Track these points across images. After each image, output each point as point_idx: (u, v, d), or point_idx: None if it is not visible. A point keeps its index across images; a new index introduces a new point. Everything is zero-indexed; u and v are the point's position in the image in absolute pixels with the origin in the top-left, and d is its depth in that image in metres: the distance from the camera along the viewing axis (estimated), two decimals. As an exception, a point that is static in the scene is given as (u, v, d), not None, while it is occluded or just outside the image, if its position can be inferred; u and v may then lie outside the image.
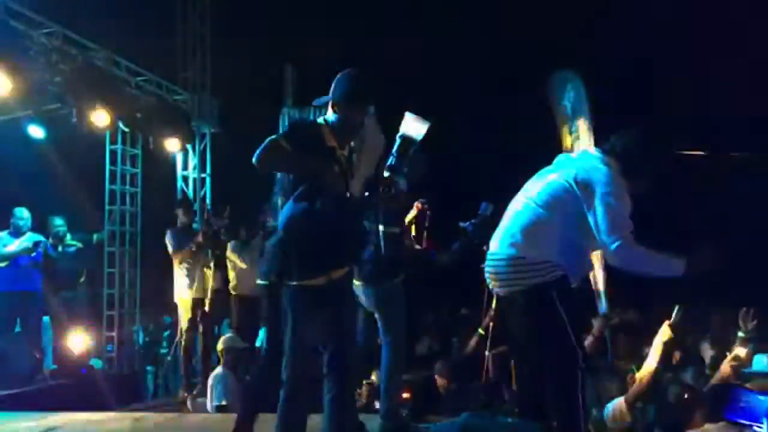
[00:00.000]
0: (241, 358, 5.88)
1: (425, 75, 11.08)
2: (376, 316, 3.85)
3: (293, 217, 2.84)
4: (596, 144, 3.33)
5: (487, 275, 3.08)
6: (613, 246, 2.76)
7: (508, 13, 10.77)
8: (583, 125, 7.77)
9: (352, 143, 3.12)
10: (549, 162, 3.34)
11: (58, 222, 7.23)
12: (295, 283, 2.83)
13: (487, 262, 3.07)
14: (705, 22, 9.55)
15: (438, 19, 11.17)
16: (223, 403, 5.45)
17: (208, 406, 5.59)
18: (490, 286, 3.11)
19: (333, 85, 3.02)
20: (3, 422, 4.59)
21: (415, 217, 6.73)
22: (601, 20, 10.53)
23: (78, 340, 7.06)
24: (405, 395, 4.19)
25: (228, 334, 6.22)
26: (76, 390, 6.44)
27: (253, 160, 2.77)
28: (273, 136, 2.81)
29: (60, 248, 7.14)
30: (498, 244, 3.01)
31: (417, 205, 6.70)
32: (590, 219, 2.81)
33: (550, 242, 2.87)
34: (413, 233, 6.81)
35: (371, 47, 10.59)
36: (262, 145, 2.77)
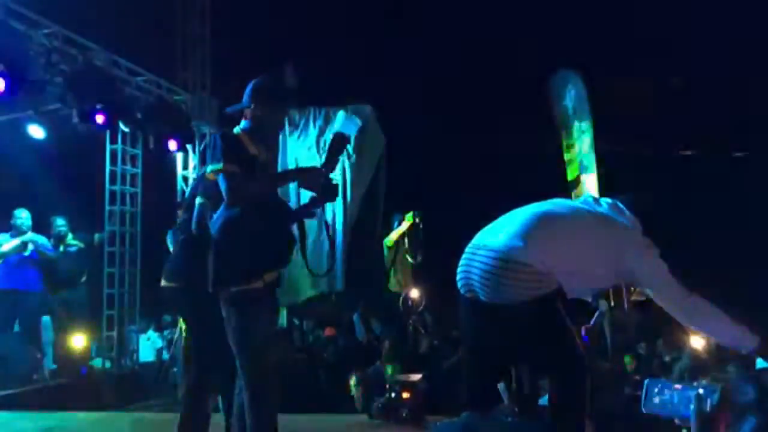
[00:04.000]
0: None
1: (425, 75, 11.08)
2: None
3: (228, 221, 2.84)
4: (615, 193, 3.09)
5: (472, 274, 2.78)
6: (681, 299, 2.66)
7: (509, 14, 10.77)
8: (583, 126, 7.78)
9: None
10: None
11: (60, 222, 7.23)
12: (235, 288, 2.82)
13: (478, 258, 2.77)
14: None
15: (438, 19, 11.17)
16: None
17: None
18: (464, 287, 2.82)
19: (246, 92, 3.09)
20: (3, 422, 4.60)
21: (408, 230, 6.78)
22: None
23: (78, 340, 7.06)
24: (405, 395, 4.19)
25: None
26: (76, 390, 6.44)
27: (231, 202, 2.80)
28: (219, 165, 2.79)
29: (61, 248, 7.14)
30: (502, 243, 2.72)
31: (410, 217, 6.74)
32: (634, 273, 2.72)
33: (566, 259, 2.69)
34: (407, 246, 6.87)
35: (371, 47, 10.59)
36: (226, 186, 2.77)
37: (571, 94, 8.04)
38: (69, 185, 8.18)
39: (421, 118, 10.40)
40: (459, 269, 2.87)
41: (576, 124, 8.04)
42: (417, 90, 10.69)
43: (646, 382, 1.95)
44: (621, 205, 2.80)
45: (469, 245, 2.88)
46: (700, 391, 1.86)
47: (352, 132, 3.24)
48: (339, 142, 3.11)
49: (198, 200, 3.29)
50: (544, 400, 3.71)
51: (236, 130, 3.06)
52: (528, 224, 2.75)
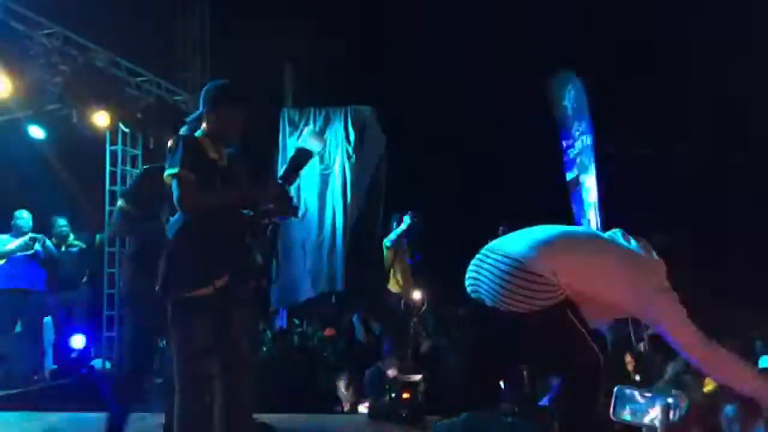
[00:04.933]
0: None
1: (425, 75, 11.08)
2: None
3: (182, 226, 2.85)
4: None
5: (481, 276, 2.77)
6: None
7: (509, 14, 10.77)
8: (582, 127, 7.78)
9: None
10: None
11: (62, 222, 7.23)
12: (182, 294, 2.83)
13: (489, 261, 2.76)
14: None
15: (438, 19, 11.17)
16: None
17: None
18: (471, 287, 2.82)
19: (202, 98, 3.16)
20: (3, 422, 4.60)
21: (407, 230, 6.78)
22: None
23: (78, 340, 7.06)
24: (405, 395, 4.20)
25: None
26: (76, 390, 6.44)
27: (182, 210, 2.79)
28: (175, 170, 2.79)
29: (63, 248, 7.15)
30: (518, 250, 2.71)
31: (408, 218, 6.75)
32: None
33: (580, 280, 2.67)
34: (405, 247, 6.87)
35: (371, 47, 10.59)
36: (179, 193, 2.77)
37: (571, 95, 8.05)
38: (69, 186, 8.18)
39: (421, 118, 10.41)
40: (468, 271, 2.85)
41: (575, 124, 8.04)
42: (417, 90, 10.69)
43: (615, 389, 1.95)
44: (649, 245, 2.80)
45: (483, 248, 2.86)
46: (669, 400, 1.85)
47: (315, 149, 3.28)
48: (300, 157, 3.18)
49: (119, 203, 3.27)
50: (544, 401, 3.71)
51: (198, 133, 3.08)
52: (549, 239, 2.74)
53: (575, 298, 2.66)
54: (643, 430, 1.91)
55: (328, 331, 8.04)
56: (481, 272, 2.77)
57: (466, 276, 2.85)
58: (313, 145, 3.20)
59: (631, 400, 1.91)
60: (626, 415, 1.91)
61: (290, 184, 3.12)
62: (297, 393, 5.99)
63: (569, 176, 8.25)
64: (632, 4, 10.42)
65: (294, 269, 7.80)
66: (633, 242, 2.79)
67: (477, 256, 2.86)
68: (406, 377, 4.29)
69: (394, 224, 6.97)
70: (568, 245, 2.73)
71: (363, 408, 5.11)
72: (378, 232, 7.28)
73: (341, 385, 5.47)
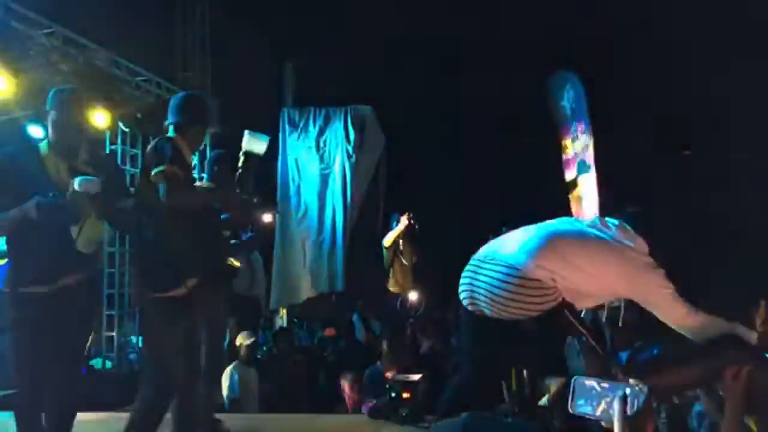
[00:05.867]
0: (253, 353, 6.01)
1: (425, 75, 11.08)
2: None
3: (155, 229, 2.91)
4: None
5: (477, 287, 2.79)
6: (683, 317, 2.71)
7: (509, 14, 10.77)
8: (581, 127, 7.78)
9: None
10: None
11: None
12: (156, 294, 2.88)
13: (485, 270, 2.78)
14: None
15: (438, 19, 11.17)
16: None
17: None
18: (466, 299, 2.83)
19: (170, 108, 3.22)
20: (3, 422, 4.60)
21: (404, 230, 6.80)
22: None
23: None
24: (405, 395, 4.20)
25: (244, 332, 6.28)
26: (76, 390, 6.42)
27: (169, 203, 2.83)
28: (163, 168, 2.84)
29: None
30: (514, 257, 2.72)
31: (404, 219, 6.78)
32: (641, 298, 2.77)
33: (573, 280, 2.71)
34: (401, 247, 6.89)
35: (371, 47, 10.59)
36: (167, 186, 2.81)
37: (570, 95, 8.05)
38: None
39: (421, 118, 10.41)
40: (462, 280, 2.85)
41: (574, 124, 8.04)
42: (417, 90, 10.69)
43: (573, 380, 1.81)
44: (627, 226, 2.81)
45: (475, 256, 2.86)
46: (627, 390, 1.73)
47: (260, 149, 3.38)
48: (247, 161, 3.30)
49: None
50: (544, 401, 3.71)
51: (173, 135, 3.15)
52: (542, 243, 2.73)
53: (567, 294, 2.69)
54: (602, 423, 1.82)
55: (328, 331, 8.05)
56: (476, 283, 2.77)
57: (461, 286, 2.86)
58: (255, 145, 3.27)
59: (589, 391, 1.79)
60: (583, 407, 1.79)
61: (246, 191, 3.22)
62: (297, 393, 6.00)
63: (569, 176, 8.25)
64: (632, 4, 10.42)
65: (294, 269, 7.80)
66: (612, 227, 2.82)
67: (469, 265, 2.86)
68: (406, 377, 4.28)
69: (394, 224, 6.99)
70: (561, 246, 2.73)
71: (365, 408, 5.11)
72: (378, 232, 7.29)
73: (345, 385, 5.46)
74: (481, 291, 2.73)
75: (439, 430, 3.56)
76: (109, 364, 7.78)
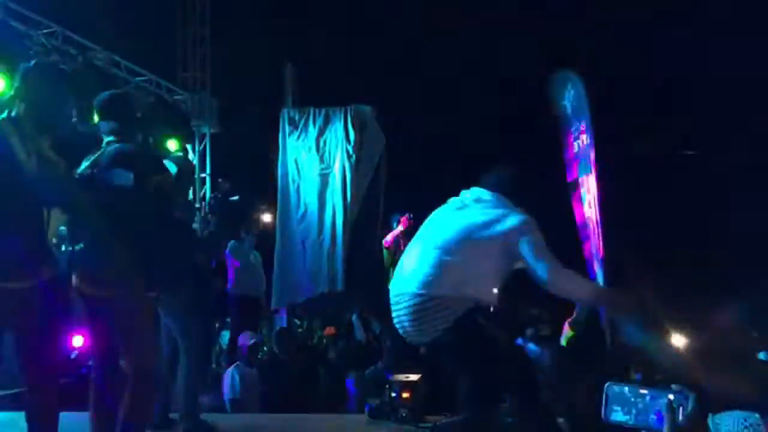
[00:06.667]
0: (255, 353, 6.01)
1: (425, 75, 11.08)
2: (171, 320, 3.95)
3: (124, 231, 2.94)
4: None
5: (404, 321, 3.01)
6: (546, 271, 2.85)
7: (509, 14, 10.77)
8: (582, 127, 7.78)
9: None
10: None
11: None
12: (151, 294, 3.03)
13: (396, 308, 3.04)
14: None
15: (438, 19, 11.17)
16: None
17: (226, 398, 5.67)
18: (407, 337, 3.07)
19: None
20: (3, 422, 4.59)
21: (404, 231, 6.81)
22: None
23: (78, 340, 7.05)
24: (405, 395, 4.20)
25: (246, 332, 6.29)
26: (76, 390, 6.43)
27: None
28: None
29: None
30: (407, 287, 2.98)
31: (403, 220, 6.78)
32: (516, 255, 2.91)
33: (460, 280, 2.89)
34: (402, 247, 6.88)
35: (371, 47, 10.59)
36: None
37: (571, 95, 8.04)
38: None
39: (421, 118, 10.41)
40: (394, 322, 3.09)
41: (575, 124, 8.04)
42: (417, 90, 10.69)
43: (605, 386, 1.73)
44: (488, 196, 3.07)
45: (391, 296, 3.10)
46: (671, 396, 1.64)
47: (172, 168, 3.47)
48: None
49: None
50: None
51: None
52: (424, 258, 2.96)
53: (475, 293, 2.88)
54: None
55: (328, 331, 8.05)
56: (402, 317, 3.00)
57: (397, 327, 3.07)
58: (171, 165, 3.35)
59: (626, 398, 1.71)
60: (621, 415, 1.70)
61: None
62: (297, 393, 6.00)
63: (569, 176, 8.25)
64: (633, 4, 10.43)
65: (294, 269, 7.80)
66: (492, 197, 3.07)
67: (390, 303, 3.10)
68: (406, 377, 4.28)
69: (395, 224, 6.99)
70: (443, 258, 2.91)
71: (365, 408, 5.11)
72: (378, 232, 7.28)
73: (350, 384, 5.46)
74: (407, 323, 2.97)
75: (439, 430, 3.57)
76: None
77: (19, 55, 5.85)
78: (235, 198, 5.54)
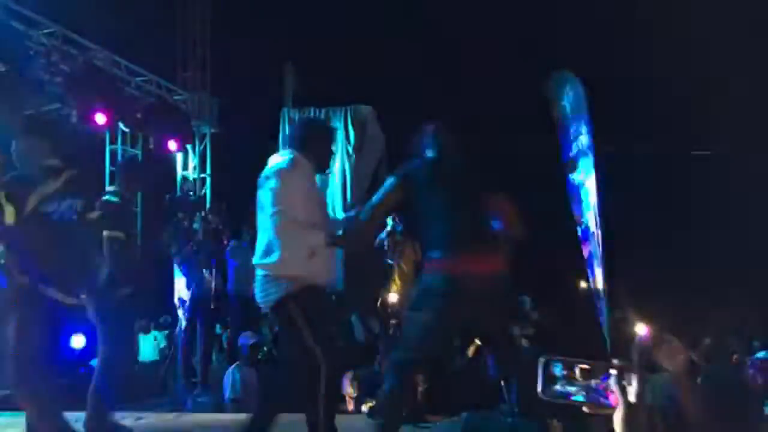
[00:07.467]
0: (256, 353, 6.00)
1: (425, 75, 11.09)
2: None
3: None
4: None
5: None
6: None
7: (509, 14, 10.78)
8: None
9: None
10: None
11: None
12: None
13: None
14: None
15: (438, 19, 11.17)
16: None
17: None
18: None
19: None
20: (3, 422, 4.60)
21: (390, 234, 6.83)
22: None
23: (78, 340, 7.06)
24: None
25: (247, 332, 6.29)
26: (76, 390, 6.43)
27: None
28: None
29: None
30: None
31: (389, 222, 6.78)
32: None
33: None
34: (404, 248, 6.89)
35: (371, 47, 10.59)
36: None
37: (569, 95, 8.04)
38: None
39: (421, 118, 10.39)
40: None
41: (574, 124, 8.04)
42: (417, 90, 10.69)
43: (541, 360, 1.61)
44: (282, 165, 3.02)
45: None
46: (613, 372, 1.57)
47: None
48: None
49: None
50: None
51: None
52: (261, 235, 3.00)
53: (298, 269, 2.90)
54: (584, 408, 1.65)
55: (328, 331, 8.04)
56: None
57: None
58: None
59: (565, 373, 1.61)
60: (560, 391, 1.60)
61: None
62: (297, 393, 5.98)
63: (569, 177, 8.25)
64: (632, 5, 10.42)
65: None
66: (289, 154, 3.08)
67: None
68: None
69: (389, 223, 6.97)
70: (269, 237, 2.94)
71: (365, 407, 5.11)
72: (378, 232, 7.28)
73: (346, 383, 5.46)
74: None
75: (439, 430, 3.58)
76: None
77: (19, 55, 5.86)
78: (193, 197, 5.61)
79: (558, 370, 1.62)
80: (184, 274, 6.68)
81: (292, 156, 3.03)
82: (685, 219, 10.14)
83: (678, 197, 10.28)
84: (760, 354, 4.53)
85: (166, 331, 8.87)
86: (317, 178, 8.04)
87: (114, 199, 3.85)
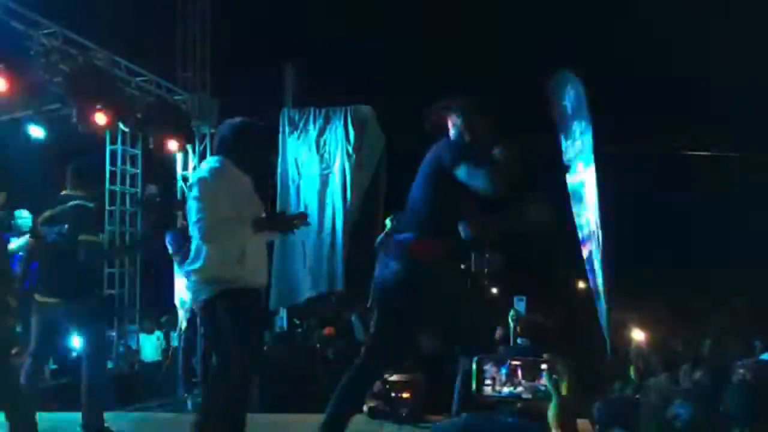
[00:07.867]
0: None
1: (425, 75, 11.08)
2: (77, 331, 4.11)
3: None
4: None
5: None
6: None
7: (509, 14, 10.78)
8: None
9: None
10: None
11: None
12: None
13: None
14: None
15: (438, 19, 11.18)
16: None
17: None
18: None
19: None
20: (3, 422, 4.60)
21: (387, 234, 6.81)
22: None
23: (78, 340, 7.06)
24: (405, 395, 4.20)
25: None
26: (76, 390, 6.43)
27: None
28: None
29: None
30: None
31: (386, 225, 6.77)
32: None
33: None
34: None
35: (371, 47, 10.59)
36: None
37: (570, 95, 8.04)
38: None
39: (421, 118, 10.39)
40: None
41: (575, 124, 8.04)
42: (417, 90, 10.69)
43: (474, 360, 1.63)
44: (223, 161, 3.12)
45: None
46: (544, 366, 1.59)
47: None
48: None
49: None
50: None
51: None
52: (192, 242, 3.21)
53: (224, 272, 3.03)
54: (519, 405, 1.68)
55: (327, 330, 8.04)
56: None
57: None
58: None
59: (497, 371, 1.64)
60: (493, 390, 1.63)
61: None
62: (298, 392, 5.99)
63: (569, 177, 8.25)
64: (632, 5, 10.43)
65: (294, 269, 7.80)
66: (213, 162, 3.17)
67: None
68: (406, 377, 4.28)
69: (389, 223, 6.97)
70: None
71: (365, 407, 5.10)
72: (378, 233, 7.28)
73: None
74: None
75: (439, 430, 3.57)
76: (109, 364, 7.77)
77: (19, 55, 5.86)
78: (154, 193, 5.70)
79: (490, 368, 1.64)
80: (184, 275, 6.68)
81: (213, 164, 3.12)
82: (685, 219, 10.14)
83: (678, 197, 10.28)
84: (765, 355, 4.52)
85: (165, 330, 8.89)
86: (316, 178, 8.04)
87: (89, 205, 3.97)
